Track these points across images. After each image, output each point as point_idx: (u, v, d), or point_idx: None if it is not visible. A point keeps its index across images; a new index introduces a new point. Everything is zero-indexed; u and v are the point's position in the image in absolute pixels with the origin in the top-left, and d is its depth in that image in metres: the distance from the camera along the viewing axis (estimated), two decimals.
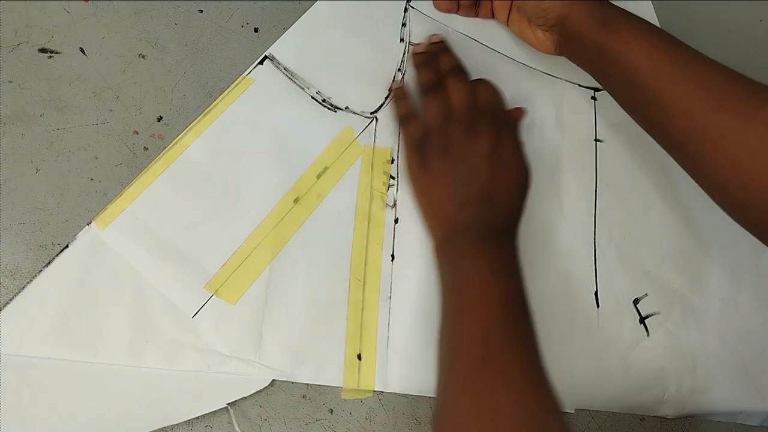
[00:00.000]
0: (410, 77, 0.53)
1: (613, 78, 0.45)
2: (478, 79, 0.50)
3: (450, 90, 0.49)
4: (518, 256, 0.44)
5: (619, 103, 0.46)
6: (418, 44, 0.53)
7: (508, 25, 0.53)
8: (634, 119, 0.46)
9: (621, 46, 0.43)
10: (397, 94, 0.51)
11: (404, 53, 0.53)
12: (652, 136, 0.45)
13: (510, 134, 0.47)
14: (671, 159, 0.53)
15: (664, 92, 0.41)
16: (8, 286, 0.45)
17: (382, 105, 0.52)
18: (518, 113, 0.50)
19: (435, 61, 0.51)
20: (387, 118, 0.52)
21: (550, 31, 0.47)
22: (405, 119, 0.50)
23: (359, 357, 0.47)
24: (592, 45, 0.44)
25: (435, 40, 0.52)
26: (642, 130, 0.53)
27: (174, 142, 0.49)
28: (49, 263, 0.45)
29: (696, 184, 0.53)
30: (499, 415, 0.35)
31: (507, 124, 0.48)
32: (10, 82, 0.48)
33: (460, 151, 0.46)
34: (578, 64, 0.48)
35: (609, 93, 0.47)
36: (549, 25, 0.47)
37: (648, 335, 0.50)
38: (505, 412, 0.35)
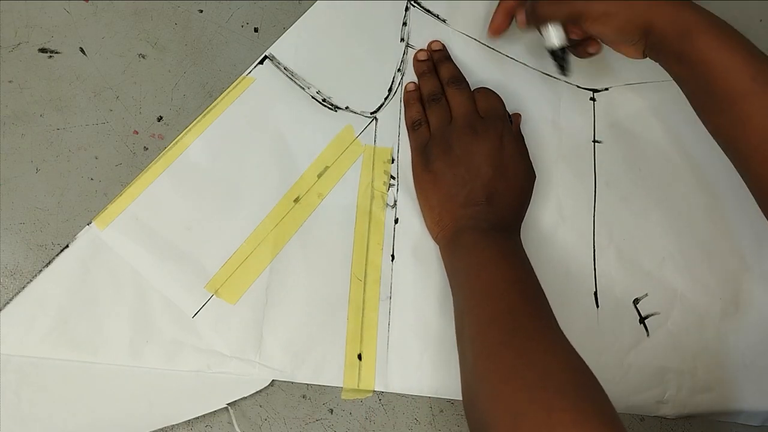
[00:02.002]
0: (410, 77, 0.53)
1: (691, 86, 0.43)
2: (478, 88, 0.51)
3: (450, 100, 0.50)
4: (524, 250, 0.45)
5: (693, 107, 0.44)
6: (419, 51, 0.53)
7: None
8: (706, 127, 0.44)
9: (702, 57, 0.41)
10: (407, 99, 0.52)
11: (404, 53, 0.53)
12: (720, 144, 0.43)
13: (511, 138, 0.48)
14: (671, 160, 0.53)
15: (741, 105, 0.40)
16: (8, 286, 0.45)
17: (382, 105, 0.52)
18: (517, 119, 0.51)
19: (436, 68, 0.52)
20: (387, 118, 0.52)
21: (635, 45, 0.45)
22: (414, 126, 0.50)
23: (359, 357, 0.47)
24: (675, 54, 0.42)
25: (436, 47, 0.53)
26: (640, 130, 0.53)
27: (174, 142, 0.49)
28: (49, 263, 0.45)
29: (695, 185, 0.53)
30: (541, 372, 0.35)
31: (508, 129, 0.49)
32: (10, 82, 0.48)
33: (461, 153, 0.47)
34: (664, 68, 0.45)
35: (686, 96, 0.45)
36: (633, 42, 0.45)
37: (648, 335, 0.50)
38: (546, 368, 0.36)
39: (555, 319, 0.40)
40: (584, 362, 0.37)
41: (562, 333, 0.39)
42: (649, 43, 0.44)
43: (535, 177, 0.50)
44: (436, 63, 0.52)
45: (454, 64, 0.52)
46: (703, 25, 0.41)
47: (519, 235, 0.47)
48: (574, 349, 0.37)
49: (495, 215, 0.46)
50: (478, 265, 0.43)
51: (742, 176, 0.42)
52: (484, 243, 0.44)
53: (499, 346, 0.38)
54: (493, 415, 0.35)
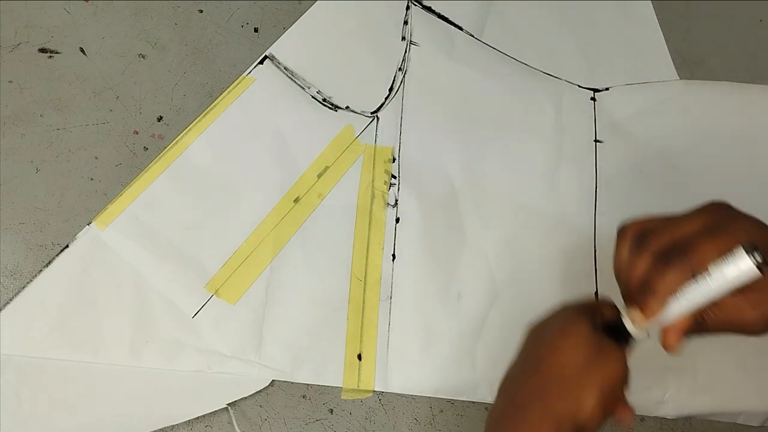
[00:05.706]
0: (412, 76, 0.53)
1: None
2: None
3: None
4: None
5: None
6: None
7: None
8: None
9: None
10: None
11: (405, 51, 0.53)
12: None
13: None
14: (671, 160, 0.53)
15: None
16: (8, 286, 0.45)
17: (383, 104, 0.52)
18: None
19: None
20: (388, 117, 0.52)
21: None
22: None
23: (359, 357, 0.47)
24: None
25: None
26: (641, 130, 0.53)
27: (174, 142, 0.49)
28: (49, 263, 0.45)
29: (696, 185, 0.53)
30: None
31: None
32: (10, 82, 0.48)
33: None
34: None
35: None
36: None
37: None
38: None
39: None
40: None
41: None
42: None
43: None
44: None
45: None
46: None
47: None
48: None
49: None
50: None
51: None
52: None
53: None
54: None
